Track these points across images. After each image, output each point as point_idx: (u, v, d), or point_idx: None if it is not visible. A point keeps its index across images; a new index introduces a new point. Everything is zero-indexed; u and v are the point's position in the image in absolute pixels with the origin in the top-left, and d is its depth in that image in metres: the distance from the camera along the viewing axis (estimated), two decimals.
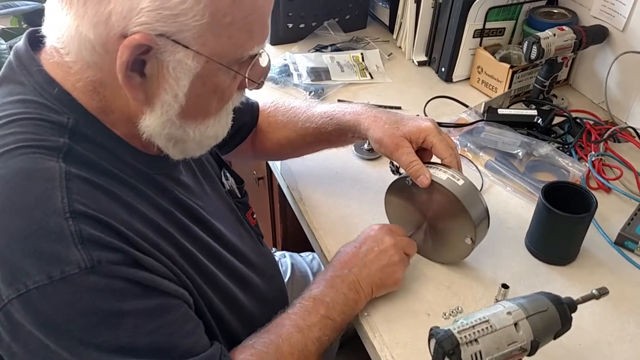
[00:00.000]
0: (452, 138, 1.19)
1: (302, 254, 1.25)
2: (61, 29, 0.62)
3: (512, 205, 1.06)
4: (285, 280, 1.14)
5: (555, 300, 0.61)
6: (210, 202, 0.84)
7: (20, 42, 0.69)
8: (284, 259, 1.21)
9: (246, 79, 0.69)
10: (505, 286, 0.82)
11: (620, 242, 0.96)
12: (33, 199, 0.58)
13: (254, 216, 0.98)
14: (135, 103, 0.65)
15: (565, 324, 0.61)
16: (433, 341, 0.58)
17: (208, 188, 0.86)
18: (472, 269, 0.93)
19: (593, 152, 1.13)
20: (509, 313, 0.59)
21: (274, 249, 1.26)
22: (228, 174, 0.94)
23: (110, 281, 0.59)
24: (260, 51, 0.68)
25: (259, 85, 0.73)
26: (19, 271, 0.57)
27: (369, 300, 0.85)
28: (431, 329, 0.60)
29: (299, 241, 1.04)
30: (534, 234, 0.95)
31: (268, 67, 0.73)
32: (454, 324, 0.59)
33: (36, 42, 0.67)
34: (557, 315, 0.60)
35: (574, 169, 1.10)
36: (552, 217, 0.89)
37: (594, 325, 0.85)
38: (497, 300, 0.83)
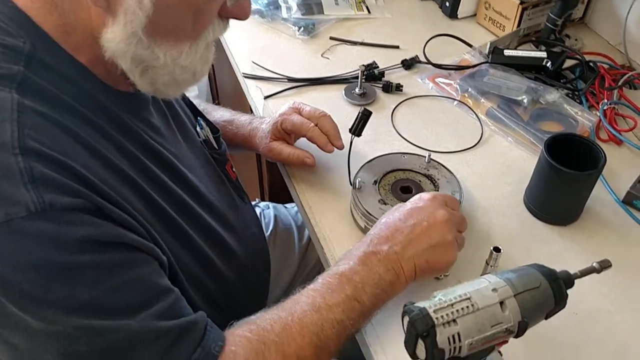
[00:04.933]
0: (452, 82, 1.10)
1: (288, 205, 1.18)
2: None
3: (513, 158, 0.97)
4: (267, 233, 1.08)
5: (549, 275, 0.54)
6: (183, 152, 0.76)
7: None
8: (267, 211, 1.14)
9: None
10: (497, 249, 0.74)
11: (629, 201, 0.88)
12: None
13: (234, 169, 0.90)
14: (96, 12, 0.56)
15: (559, 303, 0.53)
16: (406, 319, 0.52)
17: (181, 137, 0.78)
18: None
19: (606, 100, 1.03)
20: (494, 290, 0.52)
21: (257, 200, 1.18)
22: (203, 123, 0.86)
23: (65, 229, 0.52)
24: None
25: (242, 11, 0.64)
26: None
27: None
28: (405, 305, 0.53)
29: (287, 192, 0.96)
30: (534, 190, 0.87)
31: None
32: (430, 301, 0.52)
33: None
34: (551, 293, 0.53)
35: (583, 119, 1.00)
36: (555, 173, 0.80)
37: (593, 291, 0.78)
38: (487, 264, 0.76)
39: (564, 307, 0.54)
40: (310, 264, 1.10)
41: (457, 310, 0.50)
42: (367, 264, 0.68)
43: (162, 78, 0.62)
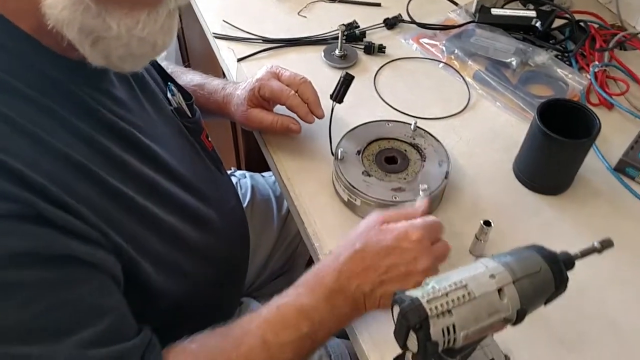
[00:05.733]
0: (438, 43, 1.04)
1: (265, 173, 1.12)
2: None
3: (501, 124, 0.93)
4: (245, 204, 1.03)
5: (550, 258, 0.50)
6: (151, 123, 0.69)
7: None
8: (244, 180, 1.08)
9: None
10: (487, 223, 0.70)
11: (621, 168, 0.85)
12: None
13: (209, 139, 0.83)
14: None
15: (559, 287, 0.50)
16: (396, 309, 0.47)
17: (149, 107, 0.71)
18: (448, 198, 0.81)
19: (596, 62, 0.98)
20: (492, 276, 0.48)
21: (232, 169, 1.12)
22: (174, 89, 0.78)
23: None
24: None
25: None
26: None
27: (335, 239, 0.74)
28: (395, 294, 0.48)
29: (264, 160, 0.90)
30: (524, 159, 0.83)
31: None
32: (423, 289, 0.48)
33: None
34: (551, 277, 0.49)
35: (574, 82, 0.96)
36: (548, 141, 0.76)
37: (582, 264, 0.72)
38: (477, 239, 0.73)
39: (565, 291, 0.51)
40: (289, 235, 1.05)
41: (452, 300, 0.46)
42: (330, 302, 0.60)
43: (117, 51, 0.54)
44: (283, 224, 1.05)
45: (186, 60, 1.73)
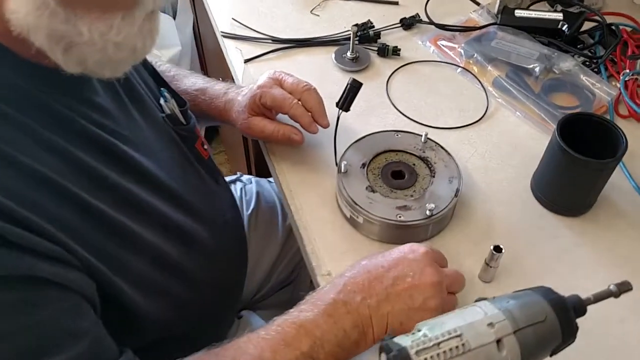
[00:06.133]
0: (456, 46, 0.98)
1: (272, 179, 1.08)
2: None
3: (521, 136, 0.87)
4: (249, 211, 0.99)
5: (558, 304, 0.45)
6: (138, 132, 0.66)
7: None
8: (250, 186, 1.04)
9: None
10: (497, 249, 0.65)
11: None
12: None
13: (205, 147, 0.80)
14: None
15: (567, 338, 0.45)
16: (383, 357, 0.43)
17: (137, 115, 0.67)
18: (459, 217, 0.76)
19: (627, 70, 0.91)
20: (490, 325, 0.43)
21: (238, 173, 1.08)
22: (168, 95, 0.75)
23: None
24: None
25: None
26: None
27: (334, 260, 0.69)
28: (383, 339, 0.44)
29: None
30: (542, 176, 0.77)
31: None
32: (414, 336, 0.43)
33: None
34: (558, 327, 0.44)
35: (601, 92, 0.89)
36: (568, 159, 0.70)
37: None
38: (486, 264, 0.68)
39: (573, 341, 0.46)
40: (295, 245, 1.01)
41: (445, 352, 0.42)
42: (332, 316, 0.56)
43: (92, 56, 0.51)
44: (289, 232, 1.01)
45: (202, 57, 1.68)
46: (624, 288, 0.48)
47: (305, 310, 0.57)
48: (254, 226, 0.98)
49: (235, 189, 1.02)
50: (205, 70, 1.70)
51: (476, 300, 0.46)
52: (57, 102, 0.54)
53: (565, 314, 0.44)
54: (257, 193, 1.02)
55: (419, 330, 0.43)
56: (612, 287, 0.48)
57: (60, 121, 0.54)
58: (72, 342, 0.48)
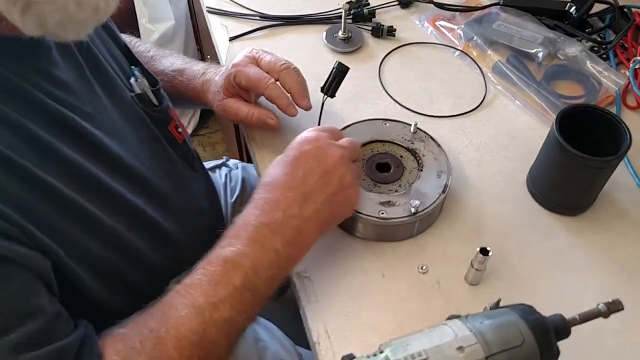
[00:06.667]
0: (456, 27, 0.92)
1: None
2: None
3: (519, 126, 0.81)
4: (233, 198, 0.95)
5: (537, 325, 0.40)
6: (102, 110, 0.61)
7: None
8: (235, 172, 0.99)
9: None
10: (484, 252, 0.61)
11: None
12: None
13: (180, 130, 0.75)
14: None
15: None
16: None
17: (102, 92, 0.63)
18: (448, 213, 0.71)
19: (638, 57, 0.85)
20: (459, 349, 0.39)
21: (225, 158, 1.04)
22: (138, 74, 0.70)
23: None
24: None
25: None
26: None
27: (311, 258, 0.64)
28: (343, 358, 0.40)
29: None
30: (539, 171, 0.72)
31: None
32: (375, 357, 0.39)
33: None
34: (537, 352, 0.40)
35: (608, 80, 0.83)
36: (566, 156, 0.65)
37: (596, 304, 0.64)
38: (472, 267, 0.63)
39: None
40: None
41: None
42: (259, 242, 0.55)
43: (53, 16, 0.46)
44: None
45: (197, 32, 1.62)
46: (614, 308, 0.43)
47: (226, 245, 0.56)
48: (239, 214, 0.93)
49: (220, 174, 0.98)
50: (200, 46, 1.64)
51: (448, 319, 0.42)
52: (10, 71, 0.50)
53: (545, 337, 0.40)
54: (243, 179, 0.97)
55: (382, 352, 0.39)
56: (601, 306, 0.43)
57: (14, 93, 0.50)
58: (27, 319, 0.46)
